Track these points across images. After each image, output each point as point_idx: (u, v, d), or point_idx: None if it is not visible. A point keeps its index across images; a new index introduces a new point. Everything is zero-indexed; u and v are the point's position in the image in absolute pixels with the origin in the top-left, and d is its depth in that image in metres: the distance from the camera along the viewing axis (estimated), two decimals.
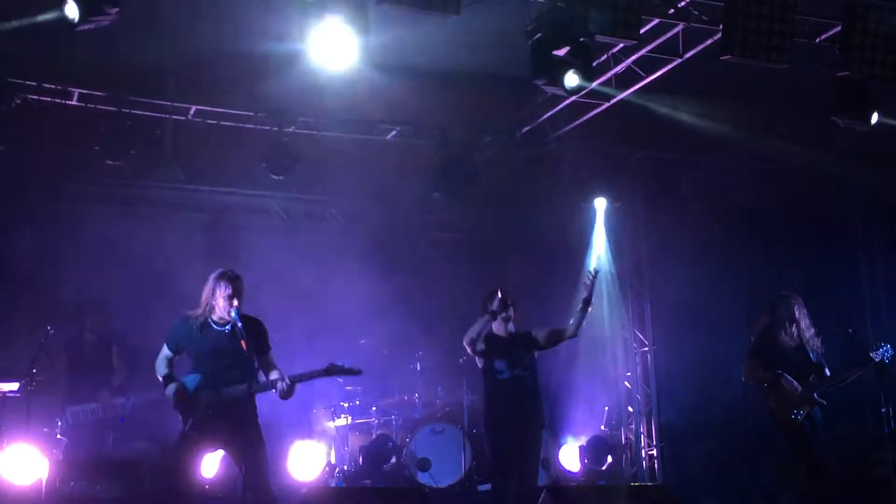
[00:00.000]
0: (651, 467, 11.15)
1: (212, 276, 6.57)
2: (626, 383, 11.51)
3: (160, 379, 6.55)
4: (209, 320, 6.47)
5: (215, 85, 9.38)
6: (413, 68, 9.69)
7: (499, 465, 7.44)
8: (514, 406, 7.51)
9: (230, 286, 6.45)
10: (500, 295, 7.52)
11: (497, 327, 7.66)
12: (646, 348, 11.51)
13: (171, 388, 6.42)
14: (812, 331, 7.94)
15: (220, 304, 6.42)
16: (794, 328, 7.91)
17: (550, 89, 7.68)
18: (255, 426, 6.45)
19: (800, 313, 7.95)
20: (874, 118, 8.30)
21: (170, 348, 6.57)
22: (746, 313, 10.97)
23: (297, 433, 10.16)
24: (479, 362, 7.73)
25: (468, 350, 7.61)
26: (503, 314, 7.56)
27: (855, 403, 9.70)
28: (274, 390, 6.41)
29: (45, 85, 9.14)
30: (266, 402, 7.53)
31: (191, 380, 6.43)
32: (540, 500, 6.33)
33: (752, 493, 10.39)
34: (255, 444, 6.40)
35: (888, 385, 7.72)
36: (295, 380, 6.40)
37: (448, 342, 11.35)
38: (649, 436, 11.28)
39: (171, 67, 9.27)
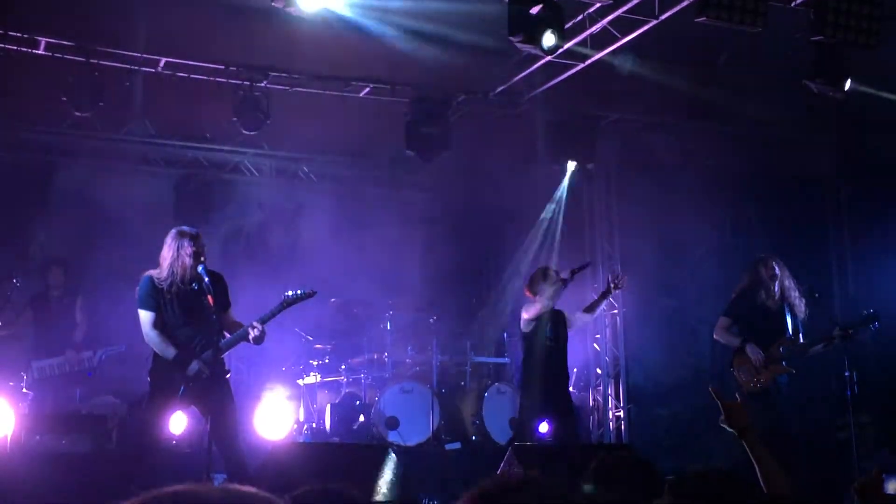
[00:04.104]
0: (618, 428, 11.26)
1: (171, 236, 6.50)
2: (595, 345, 11.58)
3: (168, 357, 6.41)
4: (175, 280, 6.41)
5: (186, 36, 9.23)
6: (387, 24, 9.61)
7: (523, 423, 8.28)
8: (551, 370, 8.21)
9: (193, 244, 6.40)
10: (559, 276, 8.14)
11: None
12: (615, 311, 11.57)
13: (195, 366, 6.35)
14: (795, 292, 8.00)
15: (186, 263, 6.36)
16: (776, 288, 7.95)
17: (526, 48, 7.63)
18: (225, 382, 6.46)
19: (782, 274, 7.99)
20: (847, 84, 8.32)
21: (151, 307, 6.44)
22: (715, 277, 11.05)
23: (266, 391, 10.15)
24: (525, 326, 8.23)
25: (529, 318, 8.14)
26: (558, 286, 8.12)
27: (819, 367, 9.81)
28: (246, 340, 6.39)
29: (11, 33, 8.92)
30: (234, 360, 7.52)
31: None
32: (505, 458, 6.37)
33: (716, 456, 10.51)
34: (224, 400, 6.41)
35: (852, 349, 7.82)
36: (261, 321, 6.40)
37: (419, 302, 11.37)
38: (617, 397, 11.38)
39: (141, 17, 9.10)
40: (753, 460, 3.59)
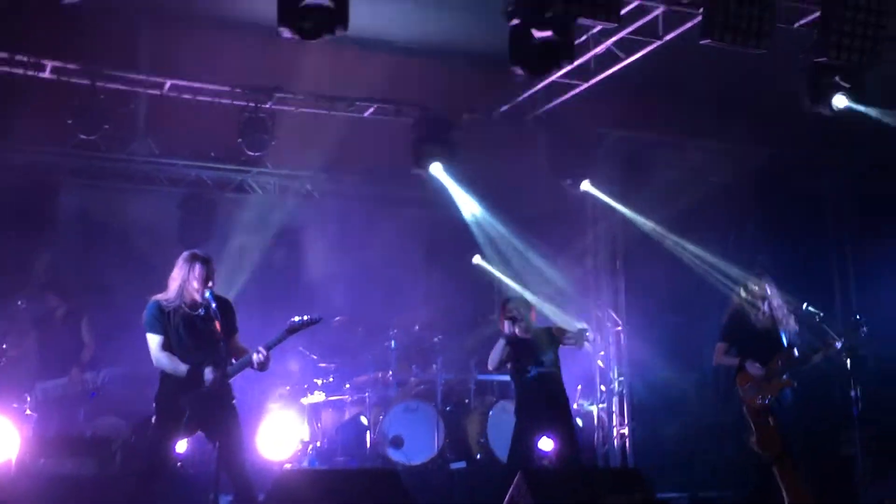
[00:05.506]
0: (622, 446, 11.23)
1: (182, 259, 6.48)
2: (599, 362, 11.57)
3: (182, 373, 6.30)
4: (182, 305, 6.40)
5: (191, 58, 9.27)
6: (391, 44, 9.66)
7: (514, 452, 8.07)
8: (543, 400, 8.05)
9: (204, 268, 6.39)
10: (504, 315, 8.11)
11: (518, 332, 8.11)
12: (619, 328, 11.56)
13: (209, 374, 6.25)
14: (784, 309, 8.03)
15: (195, 287, 6.35)
16: (766, 307, 8.01)
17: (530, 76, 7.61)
18: (231, 407, 6.42)
19: (771, 292, 8.05)
20: (840, 103, 8.31)
21: (159, 331, 6.37)
22: (718, 294, 11.04)
23: (271, 411, 10.15)
24: (508, 366, 8.25)
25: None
26: (513, 327, 8.07)
27: (824, 384, 9.82)
28: (251, 366, 6.37)
29: (18, 57, 8.95)
30: (238, 380, 7.50)
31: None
32: (514, 483, 6.35)
33: (722, 472, 10.50)
34: (231, 425, 6.36)
35: (857, 368, 7.84)
36: (267, 347, 6.37)
37: (423, 320, 11.36)
38: (621, 414, 11.35)
39: (145, 40, 9.14)
40: (783, 488, 3.51)
